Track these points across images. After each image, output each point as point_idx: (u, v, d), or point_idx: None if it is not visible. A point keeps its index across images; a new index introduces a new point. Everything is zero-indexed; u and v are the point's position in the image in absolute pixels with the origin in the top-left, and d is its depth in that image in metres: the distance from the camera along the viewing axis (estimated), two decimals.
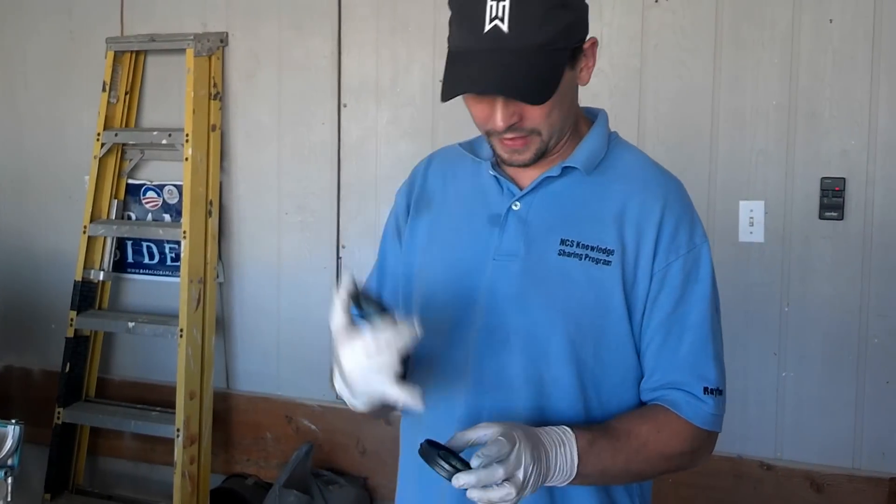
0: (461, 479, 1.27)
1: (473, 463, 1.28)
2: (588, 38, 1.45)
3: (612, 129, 1.60)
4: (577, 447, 1.37)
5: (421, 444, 1.32)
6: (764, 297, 2.95)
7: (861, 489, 2.88)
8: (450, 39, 1.43)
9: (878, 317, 2.84)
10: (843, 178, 2.83)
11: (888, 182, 2.81)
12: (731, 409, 3.14)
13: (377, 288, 1.69)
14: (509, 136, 1.44)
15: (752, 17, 2.91)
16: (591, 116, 1.60)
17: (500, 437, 1.30)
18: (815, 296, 2.90)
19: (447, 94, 1.39)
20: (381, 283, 1.70)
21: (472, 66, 1.37)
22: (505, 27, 1.34)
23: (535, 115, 1.42)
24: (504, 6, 1.34)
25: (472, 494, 1.28)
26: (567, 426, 1.39)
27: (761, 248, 2.94)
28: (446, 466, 1.28)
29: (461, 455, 1.31)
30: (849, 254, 2.86)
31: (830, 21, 2.83)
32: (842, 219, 2.85)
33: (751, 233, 2.94)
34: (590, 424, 1.44)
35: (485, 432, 1.33)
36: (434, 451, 1.30)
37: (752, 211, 2.93)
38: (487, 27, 1.35)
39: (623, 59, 3.05)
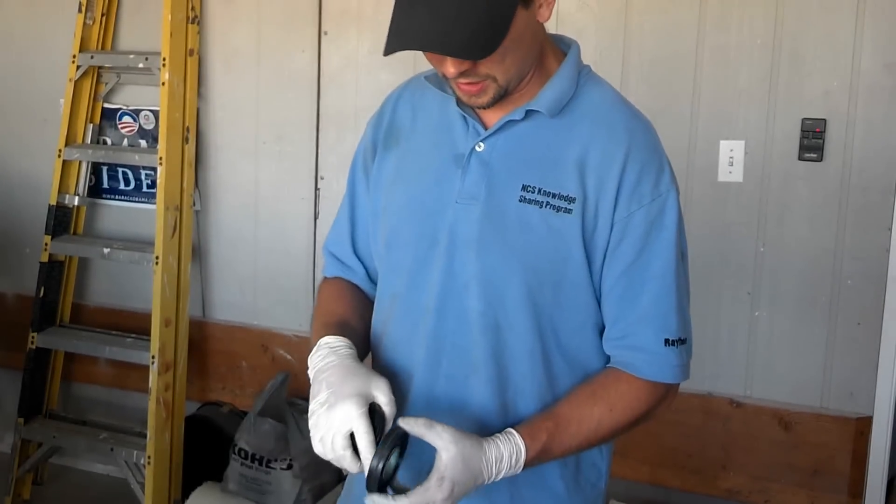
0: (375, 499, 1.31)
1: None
2: None
3: (585, 64, 1.53)
4: (524, 462, 1.39)
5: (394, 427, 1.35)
6: (740, 236, 2.96)
7: (828, 428, 2.92)
8: None
9: (853, 259, 2.86)
10: (824, 120, 2.82)
11: (868, 124, 2.80)
12: (702, 347, 3.15)
13: (350, 223, 1.67)
14: (464, 80, 1.38)
15: None
16: (564, 47, 1.52)
17: (434, 478, 1.30)
18: (791, 236, 2.91)
19: (388, 48, 1.32)
20: (353, 217, 1.67)
21: (415, 16, 1.28)
22: None
23: (488, 62, 1.35)
24: None
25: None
26: (521, 439, 1.38)
27: (739, 188, 2.94)
28: (381, 464, 1.30)
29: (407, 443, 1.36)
30: (826, 195, 2.86)
31: None
32: (821, 160, 2.84)
33: (730, 172, 2.93)
34: (545, 418, 1.43)
35: (437, 443, 1.32)
36: (393, 441, 1.33)
37: (732, 150, 2.92)
38: None
39: None
